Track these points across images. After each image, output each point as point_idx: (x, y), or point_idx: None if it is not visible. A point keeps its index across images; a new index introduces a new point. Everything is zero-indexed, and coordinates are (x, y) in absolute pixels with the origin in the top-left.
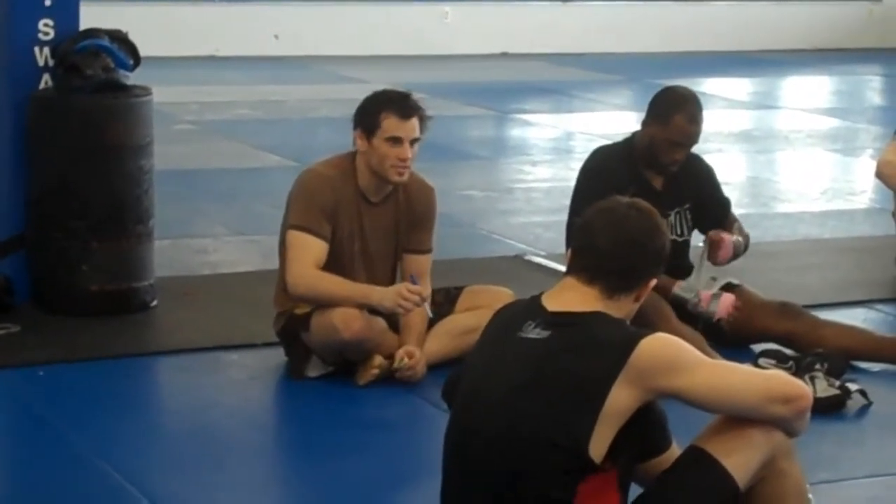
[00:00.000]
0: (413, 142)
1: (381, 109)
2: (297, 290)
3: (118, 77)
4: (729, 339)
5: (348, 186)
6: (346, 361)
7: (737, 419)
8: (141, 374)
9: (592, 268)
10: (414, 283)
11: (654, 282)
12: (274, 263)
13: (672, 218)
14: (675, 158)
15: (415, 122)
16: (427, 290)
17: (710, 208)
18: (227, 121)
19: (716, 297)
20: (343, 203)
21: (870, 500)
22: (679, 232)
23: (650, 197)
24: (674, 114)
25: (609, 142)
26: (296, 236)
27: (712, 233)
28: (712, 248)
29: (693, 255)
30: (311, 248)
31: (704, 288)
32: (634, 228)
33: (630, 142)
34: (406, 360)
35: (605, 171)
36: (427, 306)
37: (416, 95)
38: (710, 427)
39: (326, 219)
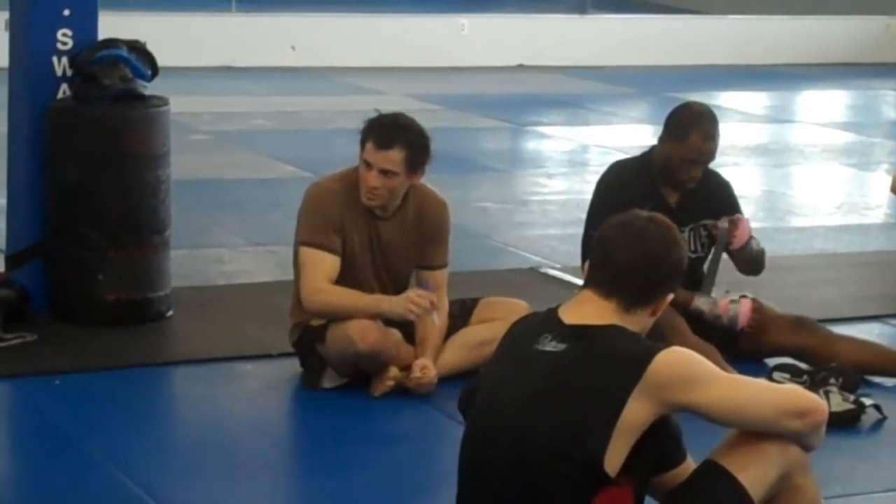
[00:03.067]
0: (386, 173)
1: (369, 131)
2: (312, 305)
3: (136, 87)
4: (743, 352)
5: (355, 200)
6: (361, 373)
7: (752, 434)
8: (156, 383)
9: (610, 281)
10: (423, 288)
11: (670, 296)
12: (289, 274)
13: (686, 234)
14: (691, 175)
15: (392, 154)
16: (444, 304)
17: None
18: (243, 131)
19: (734, 302)
20: (350, 216)
21: None
22: (693, 248)
23: (665, 213)
24: (690, 131)
25: (625, 155)
26: (307, 253)
27: (730, 218)
28: (731, 228)
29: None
30: (322, 264)
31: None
32: (652, 242)
33: (646, 156)
34: (421, 374)
35: (621, 186)
36: (434, 314)
37: (430, 107)
38: (726, 441)
39: (335, 232)
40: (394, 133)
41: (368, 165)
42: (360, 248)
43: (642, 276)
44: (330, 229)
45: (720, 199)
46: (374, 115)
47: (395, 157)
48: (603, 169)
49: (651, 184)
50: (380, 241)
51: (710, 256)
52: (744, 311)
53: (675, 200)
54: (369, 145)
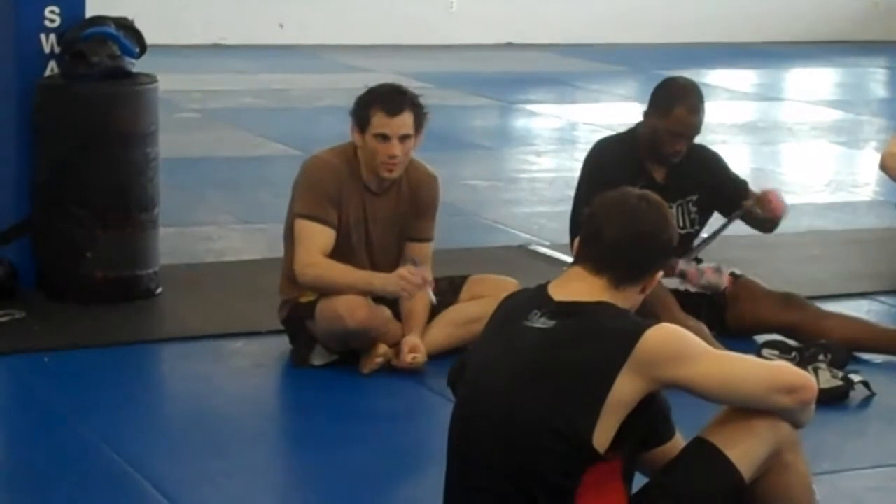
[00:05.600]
0: (404, 138)
1: (370, 105)
2: (305, 278)
3: (124, 65)
4: (732, 329)
5: (353, 175)
6: (350, 350)
7: (742, 411)
8: (145, 361)
9: (600, 258)
10: (415, 265)
11: (660, 274)
12: (278, 251)
13: (674, 210)
14: (676, 149)
15: (405, 118)
16: (428, 278)
17: (726, 192)
18: (231, 109)
19: (717, 271)
20: (348, 191)
21: (872, 490)
22: (681, 224)
23: (652, 189)
24: (675, 105)
25: (612, 132)
26: (303, 225)
27: (761, 193)
28: (763, 203)
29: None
30: (318, 237)
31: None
32: (644, 220)
33: (632, 133)
34: (417, 356)
35: (609, 163)
36: (430, 291)
37: (419, 85)
38: (716, 419)
39: (332, 206)
40: (399, 98)
41: (384, 137)
42: (355, 223)
43: (633, 253)
44: (328, 202)
45: (713, 172)
46: (362, 92)
47: (408, 121)
48: (591, 147)
49: (638, 160)
50: (374, 216)
51: (723, 223)
52: (727, 276)
53: (663, 176)
54: (379, 118)
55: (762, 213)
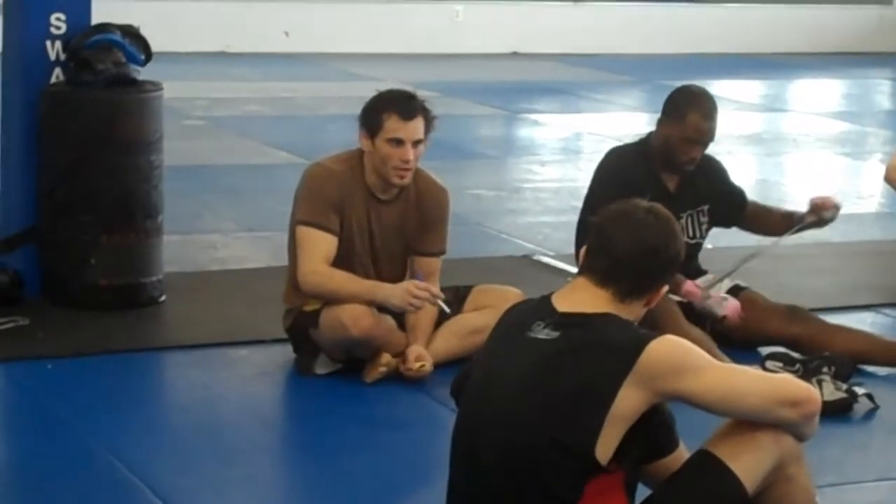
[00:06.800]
0: (416, 143)
1: (383, 110)
2: (308, 286)
3: (129, 72)
4: (736, 341)
5: (356, 182)
6: (354, 359)
7: (746, 423)
8: (149, 368)
9: (606, 270)
10: (419, 279)
11: (665, 288)
12: (283, 259)
13: (684, 220)
14: (691, 157)
15: (418, 123)
16: (436, 292)
17: (727, 202)
18: (237, 117)
19: (724, 299)
20: (350, 199)
21: (876, 503)
22: (691, 234)
23: (664, 199)
24: (688, 111)
25: (619, 142)
26: (305, 232)
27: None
28: (821, 208)
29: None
30: (320, 244)
31: (716, 287)
32: (651, 234)
33: (645, 142)
34: (425, 365)
35: (622, 172)
36: (442, 303)
37: (424, 94)
38: (719, 431)
39: (334, 212)
40: (412, 103)
41: (398, 142)
42: (359, 230)
43: (640, 267)
44: (329, 209)
45: (717, 182)
46: (371, 97)
47: (420, 126)
48: (597, 157)
49: (651, 170)
50: (379, 224)
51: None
52: (732, 307)
53: (675, 186)
54: (393, 122)
55: (828, 217)
